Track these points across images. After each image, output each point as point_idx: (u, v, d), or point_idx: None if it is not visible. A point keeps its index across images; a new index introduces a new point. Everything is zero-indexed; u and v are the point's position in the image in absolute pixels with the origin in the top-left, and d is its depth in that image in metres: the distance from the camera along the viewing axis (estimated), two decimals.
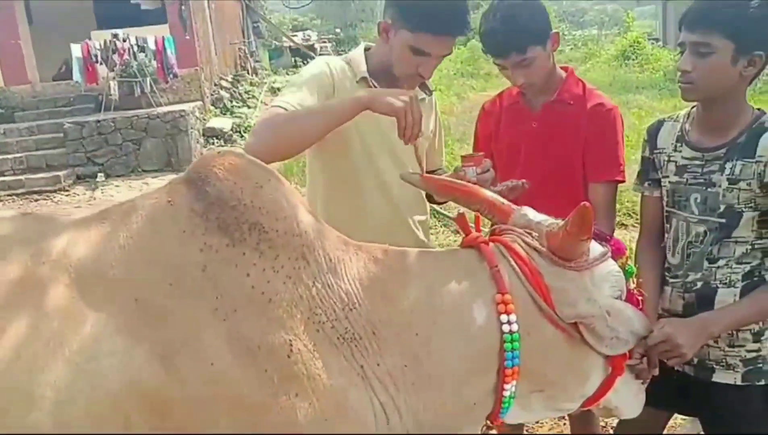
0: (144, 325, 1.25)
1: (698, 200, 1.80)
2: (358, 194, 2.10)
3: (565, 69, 2.24)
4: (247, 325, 1.28)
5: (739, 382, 1.81)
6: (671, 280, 1.90)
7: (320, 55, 19.76)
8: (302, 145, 1.88)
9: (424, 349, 1.41)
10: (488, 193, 1.60)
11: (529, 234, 1.49)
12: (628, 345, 1.54)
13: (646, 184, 1.99)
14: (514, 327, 1.40)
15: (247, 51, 19.42)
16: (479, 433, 1.58)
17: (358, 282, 1.40)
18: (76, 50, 10.85)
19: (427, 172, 2.18)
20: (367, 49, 2.15)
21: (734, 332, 1.79)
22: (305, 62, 17.60)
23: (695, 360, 1.84)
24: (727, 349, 1.80)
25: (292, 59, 21.61)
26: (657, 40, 23.21)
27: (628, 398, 1.64)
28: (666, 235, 1.93)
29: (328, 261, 1.38)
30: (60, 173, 10.07)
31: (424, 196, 2.23)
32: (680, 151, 1.85)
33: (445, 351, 1.42)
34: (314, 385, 1.30)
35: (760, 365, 1.80)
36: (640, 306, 1.59)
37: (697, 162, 1.81)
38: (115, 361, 1.22)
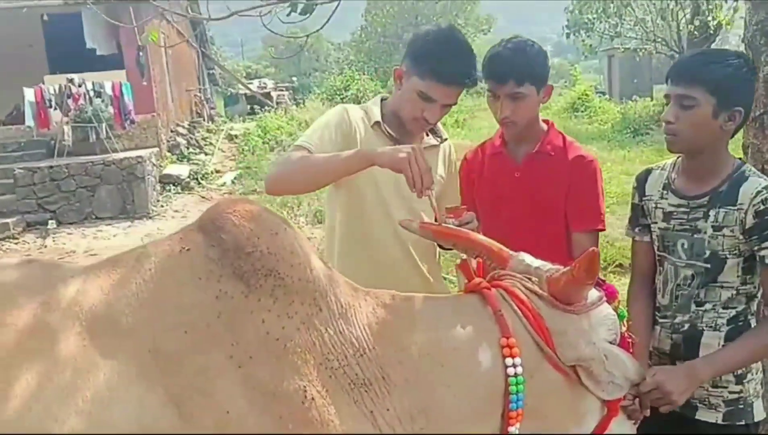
0: (158, 373, 1.24)
1: (685, 246, 1.89)
2: (371, 240, 2.19)
3: (546, 122, 2.33)
4: (262, 372, 1.28)
5: (720, 421, 1.88)
6: (660, 320, 1.98)
7: (277, 102, 19.95)
8: (312, 186, 2.10)
9: (433, 393, 1.43)
10: (486, 240, 1.66)
11: (529, 279, 1.54)
12: (623, 390, 1.58)
13: (636, 230, 2.07)
14: (519, 370, 1.44)
15: (203, 98, 19.44)
16: None
17: (367, 327, 1.42)
18: (29, 94, 10.67)
19: None
20: (383, 99, 2.29)
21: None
22: (262, 109, 17.81)
23: None
24: (710, 389, 1.87)
25: (248, 106, 21.72)
26: (603, 93, 24.15)
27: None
28: (657, 277, 2.01)
29: (339, 307, 1.40)
30: (9, 220, 9.78)
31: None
32: (666, 199, 1.94)
33: (452, 395, 1.44)
34: (327, 431, 1.31)
35: (741, 406, 1.87)
36: (631, 350, 1.64)
37: (682, 209, 1.90)
38: (129, 409, 1.20)
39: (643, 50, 19.96)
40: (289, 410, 1.28)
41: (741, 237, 1.80)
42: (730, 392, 1.87)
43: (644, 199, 2.02)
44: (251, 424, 1.26)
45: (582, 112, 20.04)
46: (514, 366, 1.44)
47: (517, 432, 1.47)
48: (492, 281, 1.58)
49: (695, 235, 1.87)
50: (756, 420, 1.90)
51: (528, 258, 1.58)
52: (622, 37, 19.08)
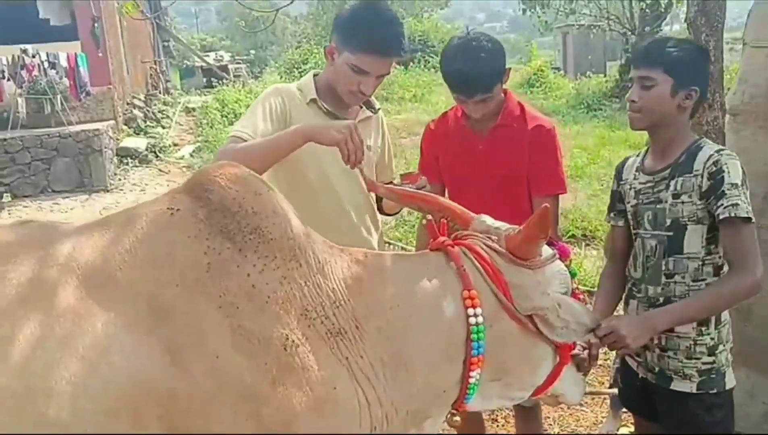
0: (152, 323, 1.34)
1: (649, 217, 2.04)
2: (316, 213, 2.23)
3: (504, 92, 2.46)
4: (248, 321, 1.39)
5: (694, 390, 2.00)
6: (636, 294, 2.12)
7: (235, 75, 19.71)
8: (260, 171, 2.02)
9: (402, 341, 1.56)
10: (450, 202, 1.80)
11: (489, 238, 1.69)
12: (577, 335, 1.75)
13: (612, 215, 2.23)
14: (480, 319, 1.59)
15: (158, 70, 19.09)
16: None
17: (342, 281, 1.55)
18: None
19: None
20: (315, 75, 2.34)
21: (692, 346, 2.00)
22: (220, 82, 17.60)
23: (657, 368, 2.06)
24: (684, 360, 2.01)
25: (204, 79, 21.41)
26: (558, 69, 24.48)
27: (572, 386, 1.85)
28: (631, 254, 2.16)
29: (317, 262, 1.52)
30: None
31: (376, 209, 2.42)
32: (637, 179, 2.11)
33: (420, 343, 1.58)
34: (308, 376, 1.43)
35: (714, 376, 2.00)
36: (581, 300, 1.82)
37: (648, 184, 2.06)
38: (126, 356, 1.30)
39: (597, 27, 20.31)
40: (273, 356, 1.40)
41: (699, 202, 1.94)
42: (704, 363, 2.00)
43: (621, 183, 2.19)
44: (239, 368, 1.38)
45: (537, 87, 20.33)
46: (476, 316, 1.58)
47: (477, 377, 1.63)
48: (455, 240, 1.72)
49: (657, 206, 2.02)
50: (727, 388, 2.02)
51: (489, 219, 1.73)
52: (577, 14, 19.37)
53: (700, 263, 1.98)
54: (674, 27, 19.29)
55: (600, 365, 3.75)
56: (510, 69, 2.37)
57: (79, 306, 1.32)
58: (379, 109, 2.46)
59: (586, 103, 17.10)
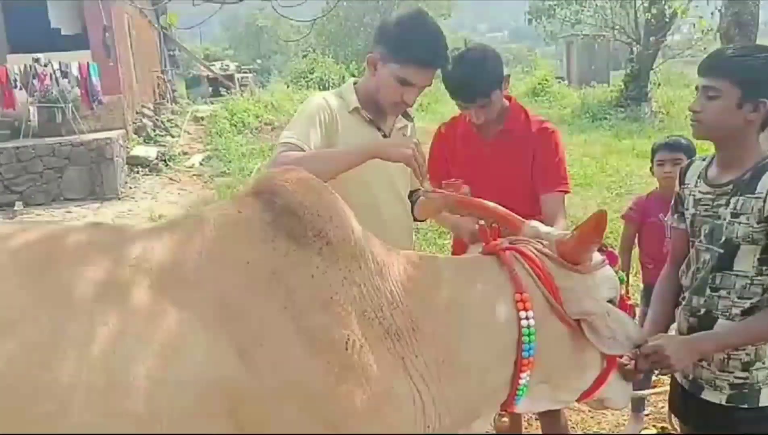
0: (222, 323, 1.39)
1: (706, 230, 1.99)
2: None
3: (508, 98, 2.57)
4: (312, 321, 1.44)
5: (723, 402, 1.96)
6: (682, 302, 2.09)
7: (242, 85, 19.80)
8: None
9: (456, 342, 1.61)
10: (502, 208, 1.85)
11: (540, 242, 1.74)
12: (624, 348, 1.77)
13: (675, 217, 2.18)
14: (531, 322, 1.63)
15: (165, 80, 19.20)
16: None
17: (399, 283, 1.59)
18: None
19: (411, 192, 2.44)
20: (354, 83, 2.37)
21: (725, 359, 1.95)
22: (227, 92, 17.68)
23: (691, 376, 2.05)
24: (717, 372, 1.97)
25: (210, 89, 21.51)
26: (562, 78, 24.58)
27: (618, 392, 1.88)
28: (686, 261, 2.12)
29: (375, 264, 1.57)
30: None
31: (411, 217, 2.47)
32: (698, 187, 2.05)
33: (472, 344, 1.62)
34: (367, 375, 1.47)
35: (746, 391, 1.95)
36: (631, 312, 1.85)
37: (709, 196, 1.99)
38: (199, 354, 1.35)
39: (602, 37, 20.43)
40: (335, 356, 1.44)
41: (756, 225, 1.86)
42: (736, 377, 1.96)
43: (682, 187, 2.13)
44: (303, 366, 1.42)
45: (542, 96, 20.44)
46: (527, 318, 1.63)
47: (527, 379, 1.67)
48: (507, 245, 1.77)
49: (716, 221, 1.95)
50: (761, 405, 1.95)
51: (540, 225, 1.78)
52: (581, 24, 19.49)
53: (749, 282, 1.92)
54: (675, 37, 19.40)
55: None
56: (509, 76, 2.48)
57: (153, 305, 1.37)
58: (412, 118, 2.51)
59: (591, 112, 17.17)
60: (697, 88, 1.97)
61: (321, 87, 18.40)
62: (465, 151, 2.57)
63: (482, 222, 1.84)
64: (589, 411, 3.65)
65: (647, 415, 3.61)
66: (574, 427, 3.52)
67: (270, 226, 1.48)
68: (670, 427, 3.38)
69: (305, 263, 1.47)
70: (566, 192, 2.52)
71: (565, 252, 1.68)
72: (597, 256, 1.74)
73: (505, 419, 1.79)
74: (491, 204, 1.90)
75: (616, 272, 1.82)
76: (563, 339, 1.70)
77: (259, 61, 35.37)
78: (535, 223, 1.79)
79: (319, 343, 1.44)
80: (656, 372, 3.36)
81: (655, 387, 3.49)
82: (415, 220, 2.53)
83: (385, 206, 2.33)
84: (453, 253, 2.71)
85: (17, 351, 1.28)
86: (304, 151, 2.06)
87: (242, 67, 26.58)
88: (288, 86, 19.65)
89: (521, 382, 1.66)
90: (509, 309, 1.64)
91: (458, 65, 2.33)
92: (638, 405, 3.50)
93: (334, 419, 1.44)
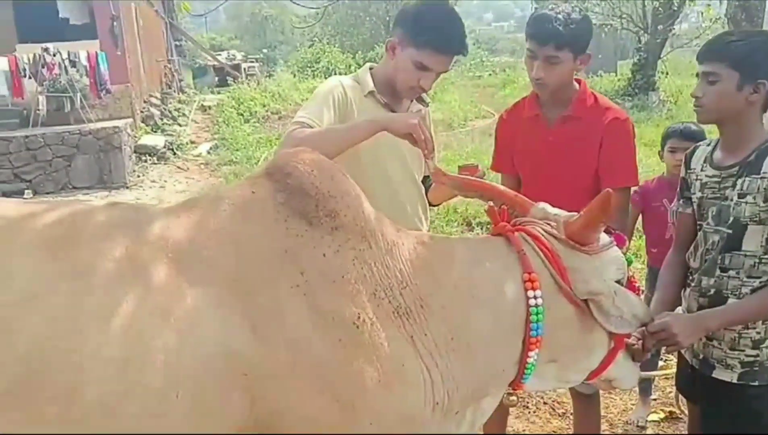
0: (236, 299, 1.42)
1: (714, 212, 2.03)
2: (369, 200, 2.32)
3: (578, 81, 2.47)
4: (323, 299, 1.47)
5: (735, 380, 2.01)
6: (691, 283, 2.13)
7: (248, 74, 19.81)
8: (329, 157, 2.10)
9: (464, 321, 1.64)
10: (509, 190, 1.87)
11: (548, 224, 1.76)
12: (631, 326, 1.80)
13: (681, 202, 2.21)
14: (539, 301, 1.65)
15: (172, 69, 19.21)
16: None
17: (409, 263, 1.62)
18: (3, 63, 10.49)
19: (425, 177, 2.46)
20: (371, 69, 2.40)
21: (736, 338, 1.99)
22: (234, 81, 17.71)
23: (701, 355, 2.08)
24: (728, 351, 2.01)
25: (216, 78, 21.53)
26: None
27: (626, 372, 1.90)
28: (693, 244, 2.15)
29: (386, 244, 1.60)
30: None
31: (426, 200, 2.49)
32: (705, 171, 2.09)
33: (481, 323, 1.65)
34: (377, 353, 1.50)
35: (757, 369, 1.99)
36: (638, 292, 1.88)
37: (715, 179, 2.04)
38: (213, 329, 1.39)
39: (609, 26, 20.30)
40: (346, 333, 1.47)
41: (762, 204, 1.91)
42: (747, 355, 1.99)
43: (688, 172, 2.16)
44: (315, 343, 1.45)
45: None
46: (535, 298, 1.65)
47: (535, 357, 1.70)
48: (515, 226, 1.79)
49: (722, 202, 2.00)
50: None
51: (548, 207, 1.80)
52: (588, 13, 19.36)
53: (757, 261, 1.95)
54: (683, 26, 19.28)
55: None
56: (590, 56, 2.35)
57: (170, 282, 1.41)
58: (428, 103, 2.52)
59: None
60: (698, 75, 2.02)
61: (327, 76, 18.24)
62: (526, 138, 2.50)
63: (491, 203, 1.86)
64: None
65: (655, 399, 3.64)
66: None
67: (283, 206, 1.51)
68: (678, 411, 3.41)
69: (317, 243, 1.50)
70: (634, 185, 2.47)
71: (573, 233, 1.70)
72: (605, 238, 1.76)
73: (514, 398, 1.81)
74: (497, 185, 1.92)
75: (624, 254, 1.84)
76: (571, 319, 1.72)
77: (264, 50, 35.30)
78: (543, 204, 1.81)
79: (330, 321, 1.47)
80: (663, 355, 3.43)
81: (664, 369, 3.53)
82: (430, 204, 2.55)
83: (400, 186, 2.36)
84: None
85: (40, 324, 1.31)
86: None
87: (248, 56, 26.56)
88: (294, 75, 19.64)
89: (529, 360, 1.69)
90: (517, 288, 1.67)
91: (551, 6, 2.32)
92: (646, 389, 3.53)
93: (344, 395, 1.47)
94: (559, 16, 2.28)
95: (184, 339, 1.37)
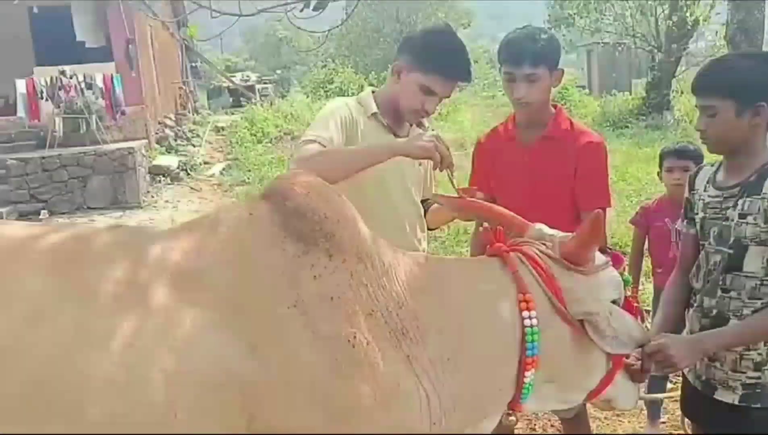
0: (234, 320, 1.45)
1: (715, 232, 2.03)
2: (370, 218, 2.35)
3: (555, 107, 2.55)
4: (319, 319, 1.49)
5: (736, 402, 1.99)
6: (694, 304, 2.12)
7: (262, 95, 20.02)
8: (340, 177, 2.08)
9: (460, 341, 1.65)
10: (507, 211, 1.90)
11: (544, 244, 1.78)
12: (627, 347, 1.81)
13: (684, 223, 2.21)
14: (534, 321, 1.66)
15: (187, 90, 19.47)
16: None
17: (405, 284, 1.64)
18: (21, 86, 10.74)
19: (422, 201, 2.49)
20: (373, 92, 2.46)
21: (737, 359, 1.98)
22: (248, 102, 17.89)
23: (703, 377, 2.07)
24: (730, 372, 2.00)
25: (230, 99, 21.77)
26: (583, 87, 24.50)
27: (625, 392, 1.90)
28: (696, 264, 2.15)
29: (382, 266, 1.62)
30: (2, 210, 9.84)
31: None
32: (707, 191, 2.10)
33: (477, 343, 1.66)
34: (374, 372, 1.51)
35: (759, 391, 1.97)
36: (635, 313, 1.88)
37: (717, 199, 2.04)
38: (211, 349, 1.41)
39: (622, 45, 20.35)
40: (342, 352, 1.49)
41: (763, 225, 1.90)
42: (749, 377, 1.98)
43: (692, 192, 2.17)
44: (311, 362, 1.47)
45: (562, 105, 20.31)
46: (530, 318, 1.66)
47: (532, 377, 1.71)
48: (511, 246, 1.81)
49: (724, 223, 2.00)
50: None
51: (544, 227, 1.82)
52: (602, 32, 19.43)
53: (759, 283, 1.94)
54: (699, 44, 19.26)
55: None
56: (563, 71, 2.43)
57: (170, 303, 1.44)
58: (429, 127, 2.56)
59: (611, 120, 17.10)
60: (696, 107, 2.03)
61: (340, 96, 18.50)
62: (504, 160, 2.55)
63: (486, 224, 1.88)
64: (605, 418, 3.67)
65: (664, 422, 3.61)
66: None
67: (280, 228, 1.54)
68: (684, 434, 3.38)
69: (314, 264, 1.53)
70: (608, 206, 2.48)
71: (567, 253, 1.72)
72: (600, 258, 1.77)
73: (513, 418, 1.81)
74: (496, 207, 1.95)
75: (621, 274, 1.85)
76: (567, 339, 1.73)
77: (279, 71, 35.70)
78: (540, 225, 1.83)
79: (327, 341, 1.49)
80: (672, 377, 3.41)
81: (671, 392, 3.50)
82: (429, 228, 2.58)
83: (399, 204, 2.40)
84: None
85: (44, 343, 1.35)
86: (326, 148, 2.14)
87: (262, 77, 26.85)
88: (307, 96, 19.82)
89: (526, 380, 1.70)
90: (512, 309, 1.68)
91: (517, 32, 2.41)
92: (654, 412, 3.50)
93: (341, 414, 1.48)
94: (529, 36, 2.37)
95: (183, 359, 1.39)
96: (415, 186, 2.45)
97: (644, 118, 16.66)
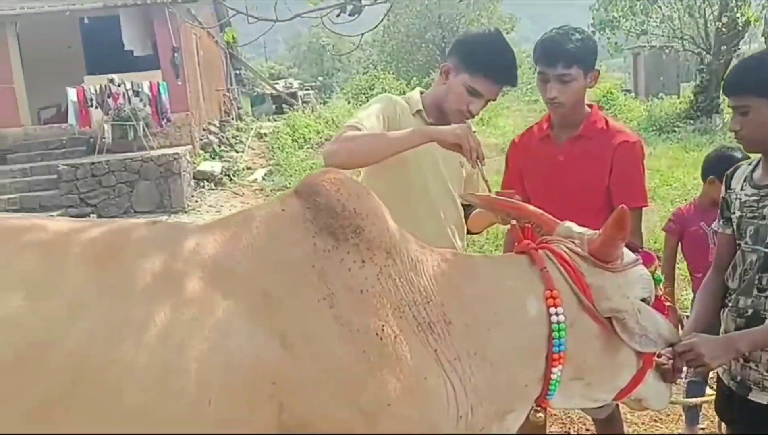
0: (265, 311, 1.50)
1: (752, 231, 2.02)
2: (410, 217, 2.36)
3: (590, 106, 2.54)
4: (348, 312, 1.53)
5: None
6: (729, 304, 2.11)
7: (304, 101, 20.25)
8: (371, 158, 2.23)
9: (487, 336, 1.67)
10: (537, 210, 1.91)
11: (572, 242, 1.79)
12: (656, 346, 1.79)
13: (721, 222, 2.20)
14: (561, 318, 1.67)
15: (231, 97, 19.81)
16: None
17: (433, 279, 1.67)
18: (72, 94, 11.12)
19: (465, 205, 2.51)
20: (421, 92, 2.52)
21: None
22: (290, 108, 18.12)
23: (738, 377, 2.05)
24: (765, 373, 1.98)
25: (273, 106, 22.06)
26: (629, 91, 24.11)
27: (656, 392, 1.88)
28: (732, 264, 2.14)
29: (410, 260, 1.65)
30: (53, 214, 10.18)
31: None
32: (744, 190, 2.09)
33: (504, 338, 1.68)
34: (401, 366, 1.54)
35: None
36: (667, 312, 1.87)
37: (754, 198, 2.03)
38: (243, 340, 1.46)
39: (670, 48, 19.95)
40: (370, 345, 1.52)
41: None
42: None
43: (729, 191, 2.15)
44: (340, 354, 1.51)
45: (607, 110, 20.07)
46: (557, 314, 1.67)
47: (559, 374, 1.71)
48: (539, 244, 1.83)
49: (761, 222, 1.99)
50: None
51: (573, 225, 1.82)
52: (648, 35, 19.09)
53: None
54: (753, 45, 18.76)
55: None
56: (599, 72, 2.44)
57: (204, 295, 1.49)
58: (474, 131, 2.59)
59: (657, 125, 16.79)
60: (730, 106, 2.03)
61: None
62: (537, 159, 2.56)
63: (514, 221, 1.90)
64: (643, 423, 3.62)
65: (703, 428, 3.55)
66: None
67: (311, 223, 1.59)
68: None
69: (343, 258, 1.57)
70: (644, 206, 2.50)
71: (595, 250, 1.72)
72: (630, 255, 1.77)
73: (540, 414, 1.82)
74: (525, 205, 1.96)
75: (652, 273, 1.84)
76: (595, 336, 1.73)
77: (321, 78, 36.02)
78: (569, 223, 1.84)
79: (355, 333, 1.52)
80: (711, 382, 3.35)
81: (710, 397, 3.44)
82: (470, 232, 2.60)
83: (438, 199, 2.42)
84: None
85: (84, 333, 1.41)
86: None
87: (305, 84, 27.14)
88: (349, 102, 19.96)
89: (553, 376, 1.70)
90: (539, 305, 1.69)
91: (554, 31, 2.43)
92: (693, 417, 3.45)
93: (368, 406, 1.51)
94: (564, 36, 2.37)
95: (216, 349, 1.44)
96: (454, 182, 2.47)
97: (692, 121, 16.32)
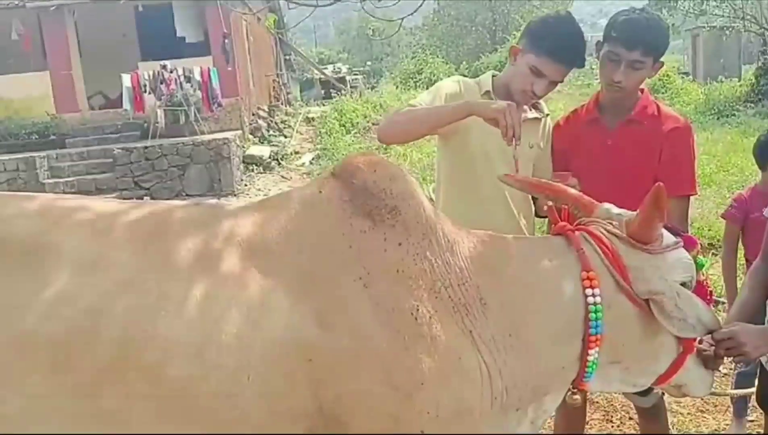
0: (303, 290, 1.53)
1: None
2: (474, 194, 2.43)
3: (641, 90, 2.48)
4: (384, 292, 1.55)
5: None
6: None
7: (352, 86, 20.31)
8: (417, 132, 2.38)
9: (523, 318, 1.67)
10: (575, 192, 1.90)
11: (611, 223, 1.77)
12: (696, 331, 1.75)
13: (765, 211, 2.21)
14: (598, 299, 1.66)
15: (280, 83, 20.00)
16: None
17: (469, 260, 1.68)
18: (126, 80, 11.42)
19: None
20: (493, 76, 2.53)
21: None
22: (338, 93, 18.22)
23: None
24: None
25: (322, 91, 22.19)
26: (687, 73, 23.38)
27: (697, 378, 1.85)
28: None
29: (446, 241, 1.66)
30: (109, 196, 10.51)
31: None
32: None
33: (540, 320, 1.68)
34: (436, 345, 1.56)
35: None
36: (709, 298, 1.83)
37: None
38: (281, 317, 1.50)
39: (731, 28, 19.24)
40: (405, 325, 1.54)
41: None
42: None
43: None
44: (375, 333, 1.54)
45: (663, 93, 19.49)
46: (594, 296, 1.66)
47: (596, 356, 1.70)
48: (577, 226, 1.81)
49: None
50: None
51: (612, 207, 1.80)
52: (707, 15, 18.46)
53: None
54: None
55: (725, 374, 3.64)
56: (662, 63, 2.39)
57: (242, 273, 1.53)
58: (548, 114, 2.58)
59: (716, 108, 16.23)
60: None
61: (429, 87, 18.50)
62: (585, 142, 2.52)
63: (550, 203, 1.88)
64: (688, 413, 3.55)
65: (752, 421, 3.46)
66: (670, 429, 3.44)
67: (347, 204, 1.61)
68: None
69: (379, 238, 1.59)
70: (693, 194, 2.45)
71: (633, 231, 1.70)
72: (670, 238, 1.74)
73: (577, 397, 1.81)
74: (563, 186, 1.94)
75: (694, 257, 1.80)
76: (632, 318, 1.71)
77: (369, 63, 36.02)
78: (607, 205, 1.82)
79: (391, 313, 1.54)
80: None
81: None
82: (538, 215, 2.58)
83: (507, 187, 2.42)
84: None
85: (128, 309, 1.47)
86: None
87: (353, 69, 27.20)
88: (396, 87, 19.95)
89: (590, 359, 1.69)
90: (576, 286, 1.68)
91: (638, 13, 2.38)
92: (741, 409, 3.36)
93: (403, 385, 1.53)
94: (648, 22, 2.32)
95: (255, 326, 1.49)
96: (522, 168, 2.41)
97: (753, 105, 15.74)
